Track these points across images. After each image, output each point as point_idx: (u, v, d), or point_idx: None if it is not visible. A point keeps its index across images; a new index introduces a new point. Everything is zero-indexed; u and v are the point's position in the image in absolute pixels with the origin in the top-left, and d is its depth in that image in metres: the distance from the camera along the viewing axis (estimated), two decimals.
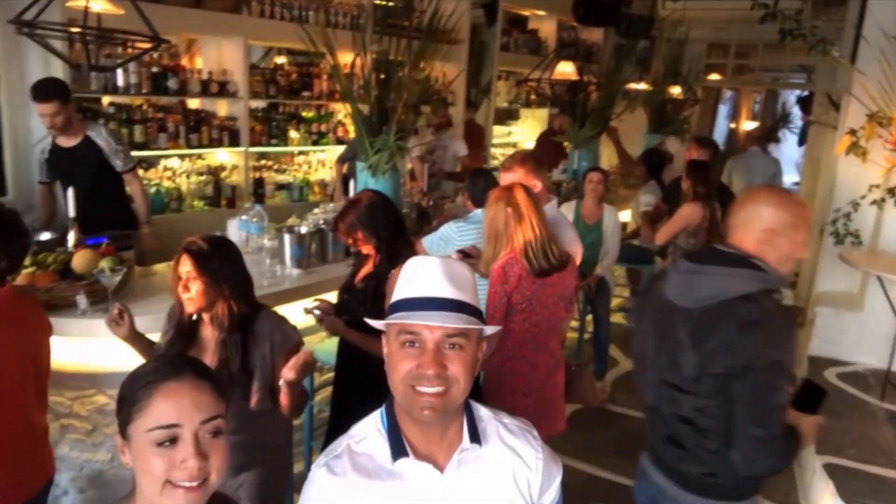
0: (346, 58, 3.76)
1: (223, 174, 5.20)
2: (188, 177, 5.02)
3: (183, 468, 1.09)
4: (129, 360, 2.95)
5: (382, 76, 3.67)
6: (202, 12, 4.66)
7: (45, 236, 3.15)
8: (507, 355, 2.61)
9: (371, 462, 1.22)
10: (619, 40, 8.21)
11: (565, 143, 6.28)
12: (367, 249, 2.69)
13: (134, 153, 4.78)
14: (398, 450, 1.21)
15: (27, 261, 2.85)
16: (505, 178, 3.00)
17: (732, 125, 12.33)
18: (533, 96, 7.20)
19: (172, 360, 1.21)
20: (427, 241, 3.53)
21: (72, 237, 3.08)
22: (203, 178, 5.04)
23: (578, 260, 3.18)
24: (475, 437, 1.25)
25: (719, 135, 12.22)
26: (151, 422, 1.09)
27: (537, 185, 3.08)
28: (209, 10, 4.68)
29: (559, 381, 2.74)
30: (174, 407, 1.10)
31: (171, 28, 4.73)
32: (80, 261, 2.87)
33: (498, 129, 7.94)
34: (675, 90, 7.44)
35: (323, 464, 1.24)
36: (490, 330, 1.24)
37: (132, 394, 1.12)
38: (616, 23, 6.59)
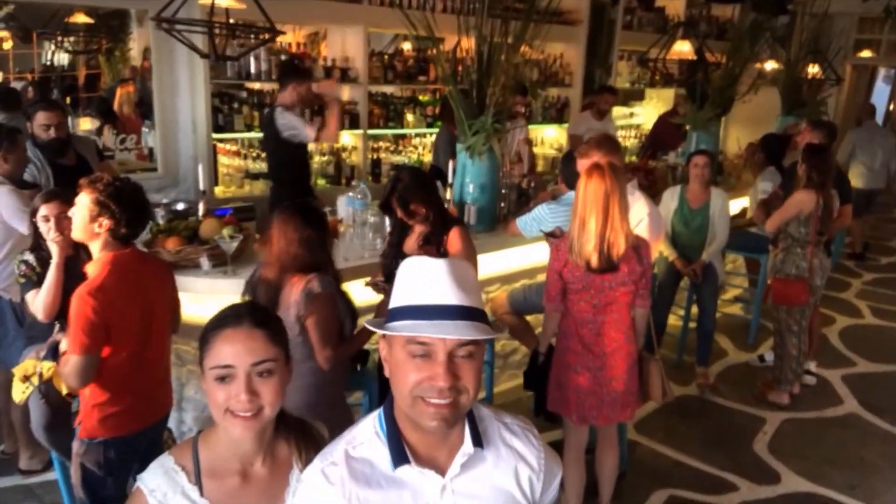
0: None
1: (344, 154, 5.57)
2: (313, 157, 5.44)
3: (237, 400, 1.28)
4: None
5: (480, 60, 3.80)
6: (326, 3, 5.01)
7: (180, 206, 3.60)
8: (565, 332, 2.71)
9: (370, 469, 1.19)
10: (754, 16, 7.78)
11: (686, 126, 6.09)
12: (418, 219, 2.89)
13: None
14: (399, 456, 1.18)
15: (162, 225, 3.31)
16: (581, 165, 3.04)
17: (892, 107, 11.18)
18: (657, 76, 6.99)
19: (237, 308, 1.37)
20: (521, 220, 3.65)
21: (201, 207, 3.52)
22: (325, 157, 5.44)
23: (656, 248, 3.17)
24: (477, 440, 1.22)
25: (879, 117, 11.16)
26: (213, 361, 1.29)
27: None
28: (332, 0, 5.02)
29: (622, 365, 2.75)
30: (230, 350, 1.28)
31: (297, 19, 5.17)
32: (205, 228, 3.29)
33: (619, 111, 7.80)
34: (814, 69, 6.92)
35: (319, 470, 1.21)
36: (502, 335, 1.28)
37: (204, 336, 1.33)
38: None
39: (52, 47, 5.29)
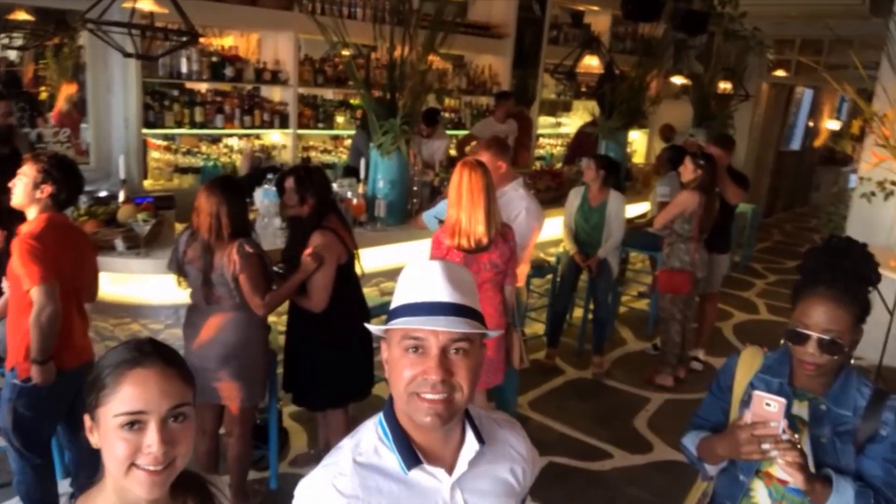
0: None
1: (274, 153, 5.86)
2: (242, 153, 5.71)
3: (148, 453, 1.10)
4: (159, 294, 3.61)
5: (391, 67, 4.14)
6: (258, 10, 5.30)
7: (103, 193, 3.85)
8: None
9: (382, 475, 1.19)
10: (675, 35, 8.32)
11: None
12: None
13: (196, 132, 5.56)
14: (410, 458, 1.18)
15: (82, 210, 3.56)
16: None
17: (811, 123, 11.92)
18: (569, 88, 7.46)
19: (141, 345, 1.18)
20: (426, 214, 4.01)
21: (121, 195, 3.78)
22: (258, 155, 5.71)
23: (534, 235, 3.56)
24: (480, 437, 1.24)
25: (797, 133, 11.90)
26: (118, 407, 1.10)
27: (502, 167, 3.49)
28: (264, 7, 5.31)
29: (494, 337, 3.11)
30: (141, 394, 1.11)
31: (229, 23, 5.44)
32: (122, 213, 3.55)
33: (545, 120, 8.25)
34: (726, 86, 7.47)
35: (328, 483, 1.18)
36: (493, 334, 1.25)
37: (101, 378, 1.13)
38: (657, 17, 6.71)
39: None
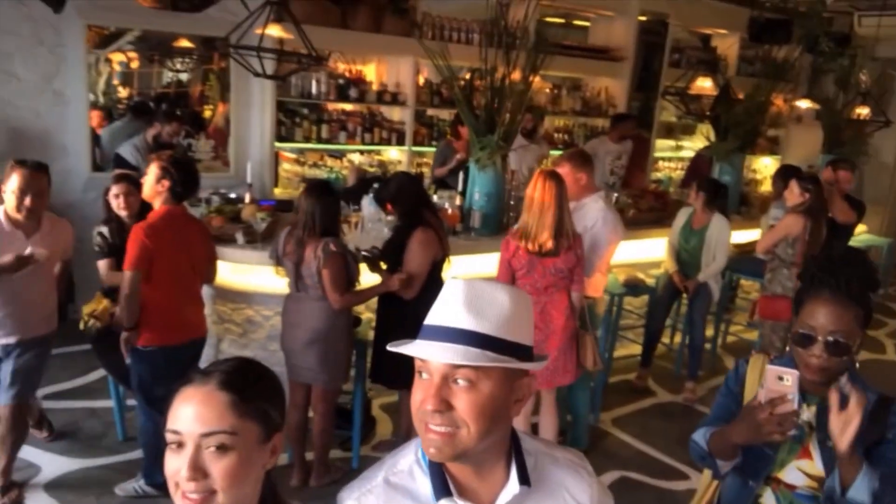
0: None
1: (390, 167, 6.31)
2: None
3: (181, 477, 1.05)
4: (271, 283, 4.08)
5: (492, 87, 4.41)
6: (381, 36, 5.78)
7: (233, 195, 4.42)
8: None
9: (411, 498, 1.13)
10: (813, 59, 7.95)
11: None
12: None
13: (322, 146, 6.12)
14: (441, 488, 1.11)
15: (213, 208, 4.12)
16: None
17: None
18: (683, 109, 7.35)
19: (216, 363, 1.15)
20: None
21: (247, 197, 4.31)
22: (373, 169, 6.19)
23: (610, 247, 3.66)
24: (524, 478, 1.13)
25: None
26: (168, 422, 1.08)
27: (582, 178, 3.63)
28: (386, 34, 5.79)
29: (562, 338, 3.27)
30: (181, 413, 1.06)
31: (357, 48, 5.97)
32: (245, 212, 4.07)
33: (664, 143, 8.15)
34: (862, 110, 7.04)
35: (356, 498, 1.15)
36: (532, 366, 1.10)
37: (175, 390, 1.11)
38: (785, 40, 6.48)
39: (169, 67, 6.31)
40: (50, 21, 4.73)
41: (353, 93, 5.85)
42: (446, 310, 1.07)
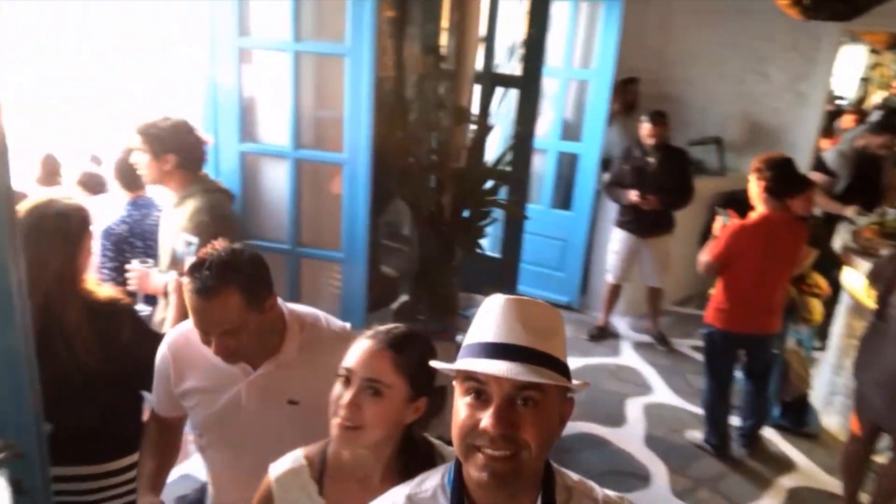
0: None
1: None
2: None
3: (342, 404, 1.24)
4: None
5: None
6: None
7: None
8: None
9: None
10: None
11: None
12: None
13: None
14: None
15: (874, 218, 3.78)
16: None
17: None
18: None
19: (390, 329, 1.31)
20: None
21: None
22: None
23: None
24: None
25: None
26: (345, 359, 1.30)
27: None
28: None
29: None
30: (356, 356, 1.27)
31: None
32: None
33: None
34: None
35: None
36: (578, 386, 1.03)
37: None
38: None
39: None
40: (807, 27, 5.00)
41: None
42: (502, 327, 1.00)
